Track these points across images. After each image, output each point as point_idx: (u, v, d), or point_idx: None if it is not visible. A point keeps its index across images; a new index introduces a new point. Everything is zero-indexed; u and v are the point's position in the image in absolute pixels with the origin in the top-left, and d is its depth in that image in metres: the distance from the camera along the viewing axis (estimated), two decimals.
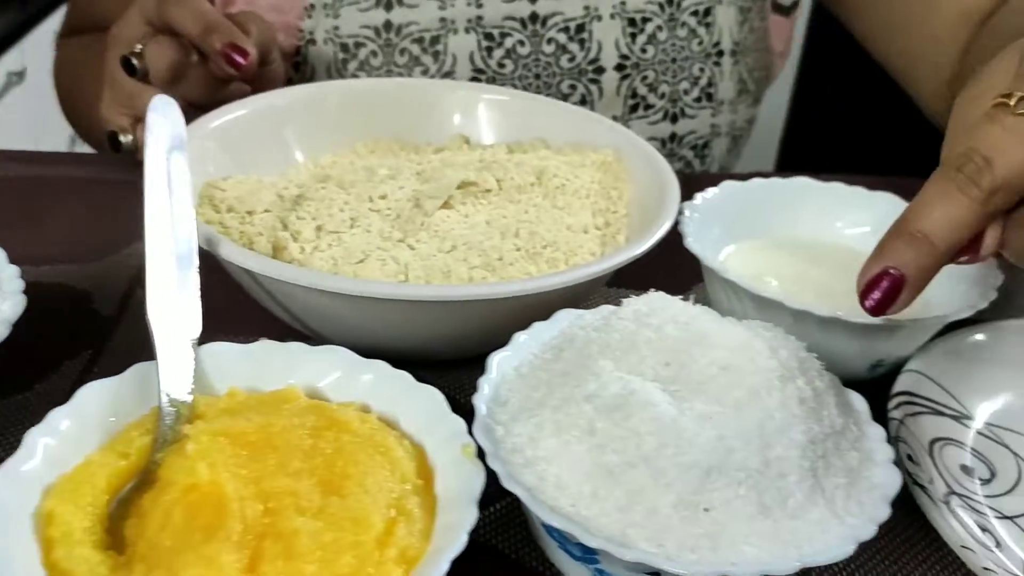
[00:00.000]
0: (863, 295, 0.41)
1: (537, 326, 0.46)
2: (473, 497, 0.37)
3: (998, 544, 0.44)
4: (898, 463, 0.46)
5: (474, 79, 0.78)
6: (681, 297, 0.44)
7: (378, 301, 0.46)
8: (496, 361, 0.44)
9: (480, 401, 0.41)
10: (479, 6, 0.77)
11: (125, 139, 0.65)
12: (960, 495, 0.47)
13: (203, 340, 0.45)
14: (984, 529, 0.45)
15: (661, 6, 0.80)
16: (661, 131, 0.85)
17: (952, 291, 0.54)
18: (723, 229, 0.59)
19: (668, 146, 0.86)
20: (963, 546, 0.43)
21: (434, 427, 0.42)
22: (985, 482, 0.48)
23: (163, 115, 0.48)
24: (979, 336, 0.56)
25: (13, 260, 0.50)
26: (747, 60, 0.87)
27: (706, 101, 0.85)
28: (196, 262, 0.46)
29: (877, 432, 0.42)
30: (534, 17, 0.78)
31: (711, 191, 0.60)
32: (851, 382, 0.48)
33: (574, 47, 0.80)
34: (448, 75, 0.78)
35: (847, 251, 0.59)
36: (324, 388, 0.44)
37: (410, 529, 0.37)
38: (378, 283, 0.48)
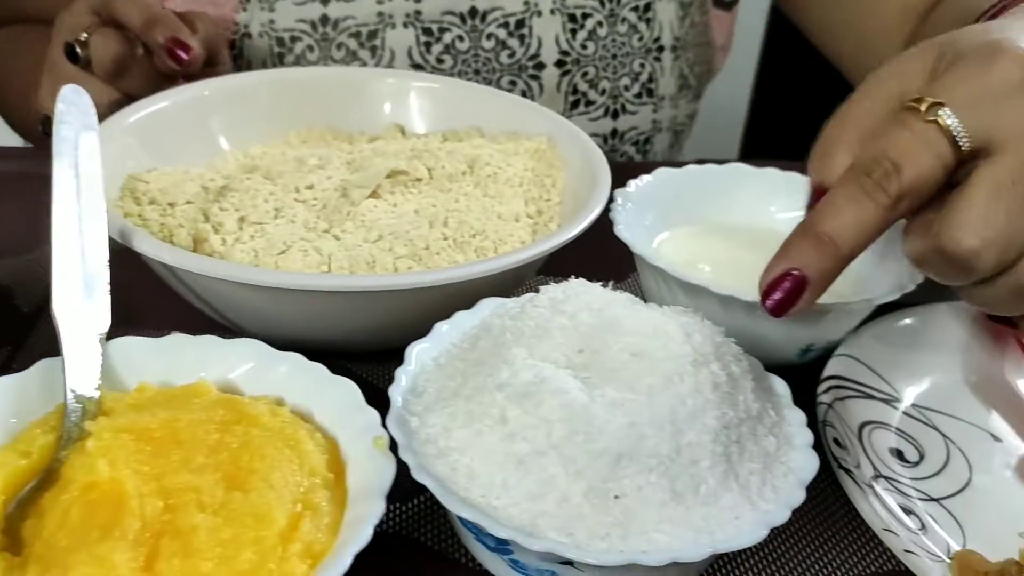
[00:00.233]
0: (765, 295, 0.40)
1: (459, 315, 0.46)
2: (382, 490, 0.37)
3: (923, 527, 0.44)
4: (822, 447, 0.45)
5: None
6: (602, 283, 0.44)
7: (296, 292, 0.45)
8: (415, 352, 0.44)
9: (396, 392, 0.41)
10: (417, 0, 0.76)
11: None
12: (887, 478, 0.46)
13: (119, 334, 0.44)
14: (909, 512, 0.45)
15: (601, 2, 0.80)
16: (602, 127, 0.84)
17: (880, 272, 0.53)
18: (657, 216, 0.59)
19: (610, 142, 0.85)
20: (886, 529, 0.43)
21: (348, 419, 0.41)
22: (914, 464, 0.48)
23: (73, 105, 0.47)
24: (910, 319, 0.55)
25: None
26: (688, 55, 0.86)
27: (647, 97, 0.85)
28: (106, 255, 0.44)
29: (797, 416, 0.42)
30: (473, 12, 0.78)
31: (645, 178, 0.59)
32: (783, 367, 0.48)
33: (514, 43, 0.79)
34: None
35: (782, 236, 0.58)
36: (238, 381, 0.43)
37: (317, 524, 0.36)
38: (292, 274, 0.47)
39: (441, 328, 0.45)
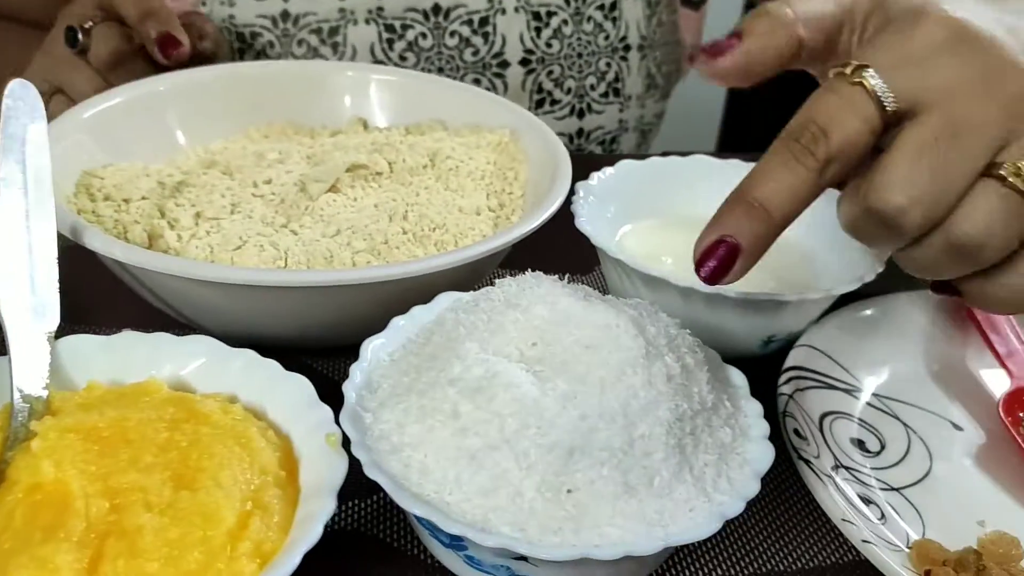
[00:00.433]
0: (699, 264, 0.40)
1: (415, 310, 0.45)
2: (333, 488, 0.36)
3: (883, 516, 0.44)
4: (781, 439, 0.45)
5: None
6: (565, 277, 0.44)
7: (252, 288, 0.45)
8: (371, 347, 0.43)
9: (350, 388, 0.40)
10: None
11: None
12: (848, 468, 0.46)
13: (71, 332, 0.43)
14: (869, 502, 0.45)
15: (567, 0, 0.79)
16: (568, 126, 0.84)
17: (841, 263, 0.53)
18: (620, 208, 0.59)
19: (576, 141, 0.85)
20: (844, 519, 0.42)
21: (301, 416, 0.40)
22: (875, 454, 0.48)
23: (21, 100, 0.46)
24: (871, 309, 0.55)
25: None
26: (655, 54, 0.86)
27: (613, 96, 0.84)
28: (55, 252, 0.44)
29: (754, 408, 0.42)
30: (436, 9, 0.77)
31: (608, 171, 0.59)
32: (745, 358, 0.48)
33: (478, 40, 0.78)
34: None
35: None
36: (190, 379, 0.43)
37: (267, 522, 0.36)
38: (246, 269, 0.47)
39: (397, 323, 0.45)
